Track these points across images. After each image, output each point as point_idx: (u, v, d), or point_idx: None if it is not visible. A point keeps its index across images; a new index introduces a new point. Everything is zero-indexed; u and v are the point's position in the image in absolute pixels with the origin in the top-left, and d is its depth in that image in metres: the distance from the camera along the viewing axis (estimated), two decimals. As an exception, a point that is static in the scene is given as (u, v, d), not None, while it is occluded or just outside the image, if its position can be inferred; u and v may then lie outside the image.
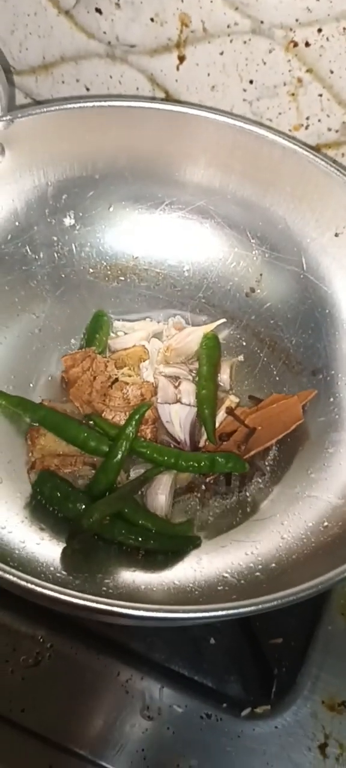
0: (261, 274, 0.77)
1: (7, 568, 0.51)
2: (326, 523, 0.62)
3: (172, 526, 0.65)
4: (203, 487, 0.68)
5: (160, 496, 0.66)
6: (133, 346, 0.73)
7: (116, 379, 0.71)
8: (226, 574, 0.60)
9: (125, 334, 0.75)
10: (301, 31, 0.67)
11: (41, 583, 0.53)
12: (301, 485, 0.66)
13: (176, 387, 0.71)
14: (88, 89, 0.79)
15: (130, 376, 0.72)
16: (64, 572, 0.59)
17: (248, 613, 0.52)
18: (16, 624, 0.65)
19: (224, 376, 0.74)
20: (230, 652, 0.67)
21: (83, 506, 0.63)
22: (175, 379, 0.72)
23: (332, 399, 0.71)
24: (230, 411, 0.72)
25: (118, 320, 0.76)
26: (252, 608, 0.51)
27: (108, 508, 0.63)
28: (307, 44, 0.68)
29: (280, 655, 0.67)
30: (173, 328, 0.76)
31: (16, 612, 0.65)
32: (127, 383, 0.71)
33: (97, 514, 0.62)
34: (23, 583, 0.52)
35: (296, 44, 0.68)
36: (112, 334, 0.75)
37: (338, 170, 0.69)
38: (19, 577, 0.52)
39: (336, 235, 0.71)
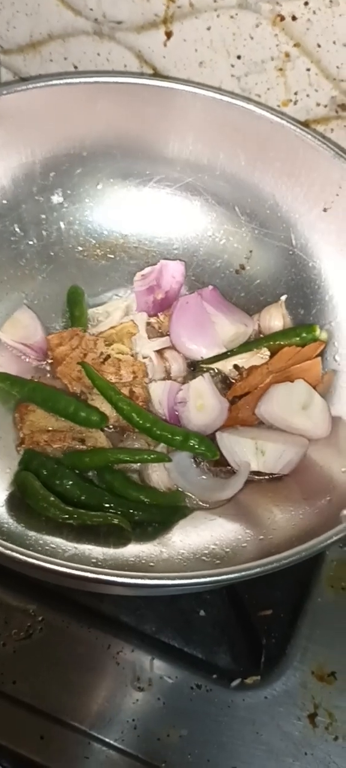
0: (251, 251, 0.77)
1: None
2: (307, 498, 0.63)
3: (162, 497, 0.65)
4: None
5: (158, 472, 0.67)
6: (120, 323, 0.73)
7: (108, 356, 0.71)
8: (214, 546, 0.61)
9: (99, 322, 0.74)
10: (287, 5, 0.67)
11: (31, 553, 0.53)
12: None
13: (164, 360, 0.72)
14: (76, 67, 0.79)
15: (122, 353, 0.73)
16: (52, 545, 0.59)
17: (229, 580, 0.53)
18: (7, 598, 0.66)
19: (277, 323, 0.73)
20: (219, 624, 0.68)
21: (70, 482, 0.64)
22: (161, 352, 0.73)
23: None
24: (236, 368, 0.72)
25: (90, 308, 0.75)
26: (234, 575, 0.52)
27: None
28: (294, 18, 0.68)
29: (269, 627, 0.67)
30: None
31: (7, 586, 0.66)
32: (120, 360, 0.72)
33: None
34: (15, 554, 0.52)
35: (282, 18, 0.68)
36: (89, 326, 0.74)
37: (325, 144, 0.69)
38: (9, 549, 0.52)
39: (324, 210, 0.72)
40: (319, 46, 0.69)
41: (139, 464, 0.67)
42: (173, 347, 0.73)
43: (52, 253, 0.76)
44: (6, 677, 0.63)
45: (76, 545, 0.60)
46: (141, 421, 0.67)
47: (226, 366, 0.73)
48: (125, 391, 0.69)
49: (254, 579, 0.55)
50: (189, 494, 0.66)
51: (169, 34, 0.73)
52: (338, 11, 0.66)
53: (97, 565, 0.58)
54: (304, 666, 0.66)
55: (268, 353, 0.72)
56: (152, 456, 0.66)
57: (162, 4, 0.71)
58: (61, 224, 0.76)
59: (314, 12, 0.67)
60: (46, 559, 0.52)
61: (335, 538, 0.53)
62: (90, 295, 0.76)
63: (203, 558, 0.60)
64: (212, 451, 0.67)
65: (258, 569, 0.52)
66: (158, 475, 0.66)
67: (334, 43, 0.68)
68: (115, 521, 0.62)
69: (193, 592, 0.65)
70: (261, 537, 0.61)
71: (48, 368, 0.72)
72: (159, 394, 0.70)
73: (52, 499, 0.62)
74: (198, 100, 0.71)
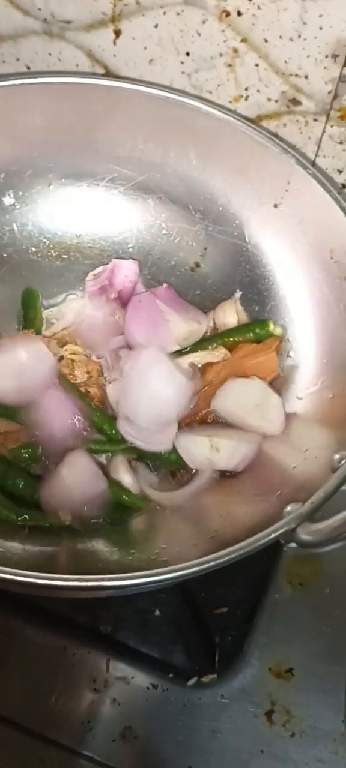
0: (205, 249, 0.76)
1: None
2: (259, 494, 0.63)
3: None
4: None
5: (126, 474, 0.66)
6: (74, 324, 0.73)
7: (62, 357, 0.71)
8: (164, 545, 0.61)
9: (54, 323, 0.74)
10: (232, 0, 0.67)
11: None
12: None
13: (119, 359, 0.72)
14: (28, 68, 0.78)
15: (76, 353, 0.72)
16: (1, 549, 0.59)
17: (170, 580, 0.53)
18: None
19: (231, 319, 0.73)
20: (175, 623, 0.67)
21: (22, 482, 0.63)
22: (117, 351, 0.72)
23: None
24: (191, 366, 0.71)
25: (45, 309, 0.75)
26: (173, 575, 0.52)
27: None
28: (239, 13, 0.68)
29: (225, 625, 0.67)
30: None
31: None
32: (73, 360, 0.71)
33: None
34: None
35: (228, 14, 0.68)
36: (44, 327, 0.74)
37: (273, 140, 0.69)
38: None
39: (275, 206, 0.71)
40: (266, 41, 0.69)
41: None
42: (127, 346, 0.73)
43: (4, 255, 0.75)
44: None
45: (24, 547, 0.59)
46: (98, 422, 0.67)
47: (181, 364, 0.72)
48: (80, 391, 0.69)
49: (210, 577, 0.54)
50: (144, 494, 0.66)
51: (117, 33, 0.72)
52: (281, 5, 0.65)
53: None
54: (261, 663, 0.66)
55: (223, 350, 0.72)
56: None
57: (109, 2, 0.70)
58: (14, 226, 0.76)
59: (259, 7, 0.66)
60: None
61: (273, 536, 0.52)
62: (45, 296, 0.75)
63: (153, 557, 0.60)
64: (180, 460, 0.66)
65: (195, 569, 0.51)
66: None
67: (280, 37, 0.68)
68: (68, 521, 0.61)
69: (141, 592, 0.65)
70: (212, 535, 0.61)
71: None
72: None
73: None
74: (145, 98, 0.70)
